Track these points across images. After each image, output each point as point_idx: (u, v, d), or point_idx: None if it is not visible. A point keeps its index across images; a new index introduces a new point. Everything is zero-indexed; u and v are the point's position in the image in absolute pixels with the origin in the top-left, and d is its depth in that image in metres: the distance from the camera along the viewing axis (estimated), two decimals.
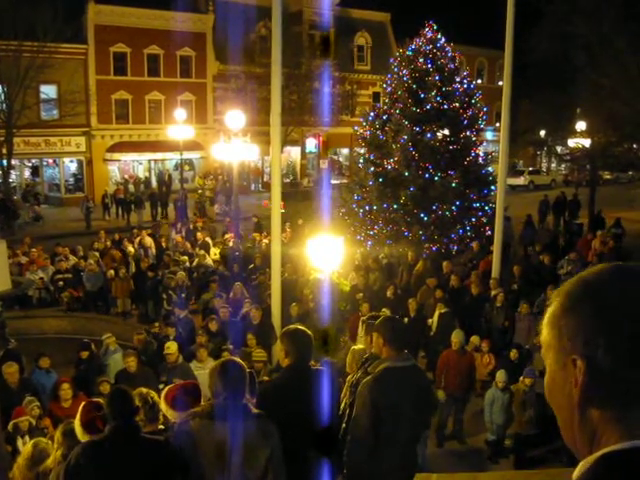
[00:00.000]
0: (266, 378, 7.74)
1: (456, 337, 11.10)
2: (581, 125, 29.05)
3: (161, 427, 5.18)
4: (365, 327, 5.65)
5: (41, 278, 17.41)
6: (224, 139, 22.00)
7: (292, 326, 5.18)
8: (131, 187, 34.63)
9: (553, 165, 55.82)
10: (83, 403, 5.00)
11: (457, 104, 20.50)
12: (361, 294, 14.47)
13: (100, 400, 5.27)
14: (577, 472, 1.11)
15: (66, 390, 9.04)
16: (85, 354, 11.65)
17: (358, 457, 4.72)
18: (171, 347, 10.05)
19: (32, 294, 17.33)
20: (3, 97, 28.68)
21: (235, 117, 20.18)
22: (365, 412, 4.64)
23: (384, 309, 11.43)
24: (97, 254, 18.76)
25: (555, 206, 28.66)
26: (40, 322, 16.90)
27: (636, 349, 1.05)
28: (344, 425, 5.06)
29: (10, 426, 7.58)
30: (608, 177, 42.96)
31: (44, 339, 15.72)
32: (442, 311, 13.06)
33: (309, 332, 4.83)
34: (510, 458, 10.52)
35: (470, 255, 18.61)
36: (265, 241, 19.11)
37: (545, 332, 1.19)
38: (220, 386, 4.14)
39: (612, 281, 1.13)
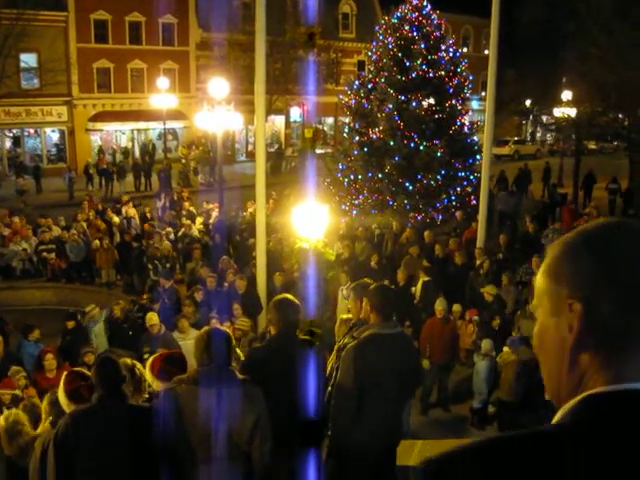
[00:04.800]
0: (238, 349, 7.72)
1: (440, 305, 11.16)
2: (567, 94, 29.03)
3: (146, 396, 5.17)
4: (355, 293, 5.67)
5: (24, 249, 17.27)
6: (207, 108, 21.73)
7: (280, 296, 5.16)
8: (109, 157, 34.32)
9: (539, 135, 55.87)
10: (65, 373, 4.96)
11: (443, 72, 20.38)
12: (344, 264, 14.46)
13: (83, 369, 5.24)
14: (558, 416, 1.12)
15: (50, 360, 9.00)
16: (71, 324, 11.62)
17: (342, 423, 4.74)
18: (153, 318, 10.03)
19: (16, 265, 17.21)
20: None
21: (218, 85, 19.92)
22: (348, 377, 4.65)
23: (365, 279, 11.41)
24: (84, 224, 18.59)
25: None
26: (24, 293, 16.81)
27: (633, 295, 1.07)
28: (330, 388, 5.08)
29: None
30: (593, 147, 43.12)
31: (28, 310, 15.65)
32: (425, 279, 13.11)
33: (296, 302, 4.82)
34: (494, 425, 10.67)
35: (454, 224, 18.66)
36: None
37: (541, 280, 1.19)
38: (206, 354, 4.15)
39: (612, 230, 1.15)
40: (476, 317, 11.92)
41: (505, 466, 1.03)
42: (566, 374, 1.14)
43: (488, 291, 12.14)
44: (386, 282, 13.07)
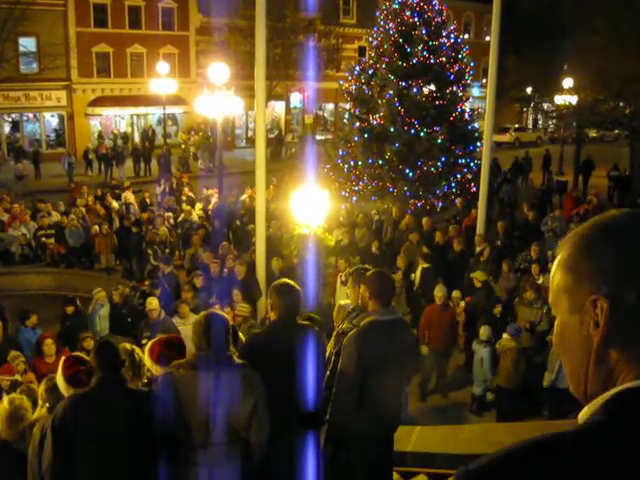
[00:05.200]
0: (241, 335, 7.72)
1: (440, 292, 11.16)
2: (568, 82, 28.93)
3: (144, 381, 5.17)
4: (353, 278, 5.67)
5: (23, 234, 17.24)
6: (207, 93, 21.62)
7: (280, 280, 5.13)
8: (109, 142, 34.21)
9: (540, 122, 55.66)
10: (63, 358, 4.96)
11: (444, 59, 20.27)
12: (344, 250, 14.45)
13: (81, 354, 5.23)
14: (586, 411, 1.09)
15: (49, 346, 9.00)
16: (70, 309, 11.61)
17: (343, 411, 4.73)
18: (152, 302, 10.02)
19: (15, 250, 17.19)
20: None
21: (218, 70, 19.81)
22: (350, 367, 4.63)
23: (366, 265, 11.41)
24: (83, 210, 18.56)
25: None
26: (23, 278, 16.81)
27: None
28: (328, 373, 5.08)
29: None
30: (594, 135, 42.99)
31: (27, 295, 15.65)
32: (424, 266, 13.11)
33: (297, 287, 4.80)
34: (492, 412, 10.71)
35: (454, 211, 18.65)
36: None
37: (558, 277, 1.16)
38: (204, 339, 4.14)
39: (628, 222, 1.11)
40: (462, 302, 11.91)
41: (551, 470, 0.99)
42: (593, 370, 1.11)
43: (477, 277, 12.15)
44: (387, 268, 13.13)
